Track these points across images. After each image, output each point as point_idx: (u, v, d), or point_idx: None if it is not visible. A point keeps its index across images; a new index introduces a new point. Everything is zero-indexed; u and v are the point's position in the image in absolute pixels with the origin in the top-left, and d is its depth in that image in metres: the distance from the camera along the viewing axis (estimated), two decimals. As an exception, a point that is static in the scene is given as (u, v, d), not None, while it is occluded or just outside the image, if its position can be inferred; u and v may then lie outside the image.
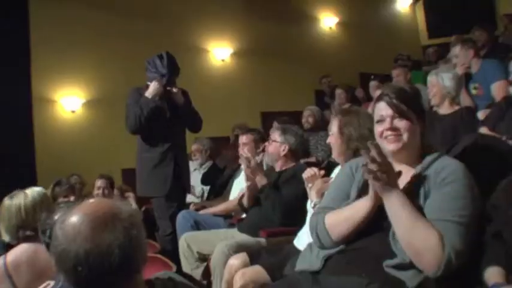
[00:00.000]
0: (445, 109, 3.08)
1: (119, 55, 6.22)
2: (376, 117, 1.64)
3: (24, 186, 5.54)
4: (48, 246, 1.59)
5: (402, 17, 9.64)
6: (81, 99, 6.16)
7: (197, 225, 3.30)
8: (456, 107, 3.08)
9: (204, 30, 6.87)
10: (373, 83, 5.30)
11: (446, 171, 1.46)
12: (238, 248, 2.46)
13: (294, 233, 2.47)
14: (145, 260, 1.03)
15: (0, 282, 1.93)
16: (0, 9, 5.36)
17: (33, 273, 1.79)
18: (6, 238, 2.09)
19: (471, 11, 8.73)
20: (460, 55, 3.73)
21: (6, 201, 2.16)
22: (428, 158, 1.54)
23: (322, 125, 4.94)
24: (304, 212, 2.46)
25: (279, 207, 2.73)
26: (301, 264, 1.69)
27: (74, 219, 0.97)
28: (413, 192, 1.47)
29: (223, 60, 7.09)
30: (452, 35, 6.91)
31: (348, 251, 1.52)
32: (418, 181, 1.49)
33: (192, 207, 3.79)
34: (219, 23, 7.04)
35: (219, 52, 7.04)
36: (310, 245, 1.79)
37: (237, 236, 2.85)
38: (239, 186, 3.51)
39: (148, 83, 3.56)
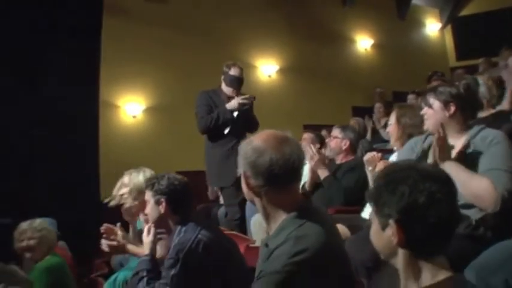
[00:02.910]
0: (484, 112, 3.48)
1: (176, 67, 6.78)
2: None
3: (88, 183, 5.95)
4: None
5: (432, 40, 10.18)
6: (142, 105, 6.67)
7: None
8: (492, 110, 3.47)
9: (253, 48, 7.44)
10: (410, 96, 5.82)
11: (491, 137, 1.97)
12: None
13: (358, 212, 2.95)
14: None
15: None
16: (77, 22, 5.84)
17: None
18: None
19: (498, 35, 9.18)
20: None
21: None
22: (473, 131, 2.05)
23: (364, 134, 5.49)
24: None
25: (341, 194, 3.20)
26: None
27: (258, 139, 1.46)
28: (466, 155, 1.97)
29: (269, 76, 7.64)
30: (479, 58, 7.39)
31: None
32: (468, 147, 2.00)
33: None
34: (267, 42, 7.61)
35: (266, 68, 7.60)
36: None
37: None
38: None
39: (222, 87, 4.06)
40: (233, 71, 4.00)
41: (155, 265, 2.22)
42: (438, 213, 1.05)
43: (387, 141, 5.59)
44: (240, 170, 1.51)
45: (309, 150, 3.29)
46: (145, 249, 2.29)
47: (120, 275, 3.06)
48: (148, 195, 2.28)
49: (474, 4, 10.06)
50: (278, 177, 1.41)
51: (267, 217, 1.48)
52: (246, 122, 3.98)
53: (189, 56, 6.86)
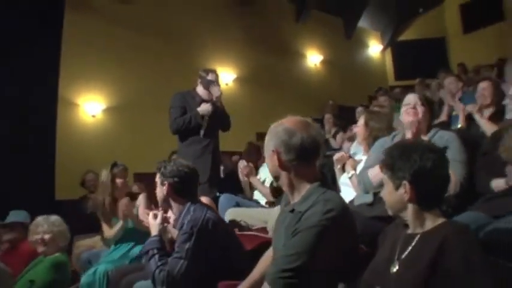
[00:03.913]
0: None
1: (137, 68, 6.88)
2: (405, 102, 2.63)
3: (44, 181, 5.79)
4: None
5: (374, 60, 11.10)
6: (101, 105, 6.67)
7: (238, 206, 3.99)
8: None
9: (213, 55, 7.69)
10: (359, 109, 6.38)
11: (447, 136, 2.43)
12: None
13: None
14: None
15: None
16: (37, 20, 5.76)
17: None
18: None
19: (430, 59, 10.26)
20: None
21: None
22: (432, 132, 2.51)
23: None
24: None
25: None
26: (359, 200, 2.58)
27: (288, 123, 1.74)
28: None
29: (227, 84, 7.90)
30: (414, 79, 8.20)
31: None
32: None
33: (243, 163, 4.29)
34: (225, 51, 7.95)
35: (224, 76, 7.80)
36: (357, 195, 2.71)
37: (273, 213, 3.60)
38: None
39: (198, 90, 4.28)
40: (210, 76, 4.23)
41: (163, 245, 2.41)
42: (439, 175, 1.42)
43: (337, 149, 6.08)
44: (270, 148, 1.77)
45: None
46: (153, 231, 2.47)
47: (100, 267, 3.23)
48: (157, 178, 2.51)
49: (411, 31, 11.16)
50: (307, 153, 1.72)
51: (292, 188, 1.76)
52: (218, 123, 4.23)
53: (150, 57, 7.00)
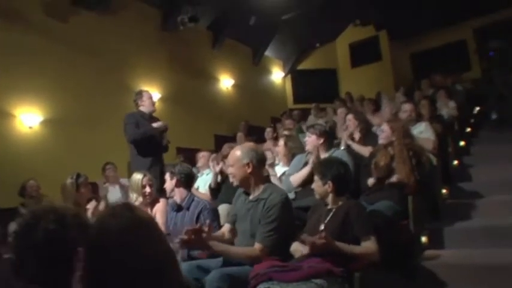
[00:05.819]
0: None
1: (70, 83, 7.22)
2: None
3: None
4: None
5: (276, 86, 12.60)
6: (39, 116, 6.88)
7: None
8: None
9: (138, 76, 8.39)
10: (268, 129, 7.70)
11: (341, 154, 3.71)
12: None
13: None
14: None
15: None
16: None
17: None
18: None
19: (323, 87, 12.08)
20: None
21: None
22: (332, 150, 3.82)
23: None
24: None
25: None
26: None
27: (249, 146, 2.86)
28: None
29: (152, 103, 8.62)
30: (310, 103, 9.76)
31: (300, 191, 3.65)
32: None
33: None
34: (150, 72, 8.69)
35: (150, 95, 8.59)
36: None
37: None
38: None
39: (142, 109, 5.18)
40: (145, 96, 5.30)
41: None
42: (348, 177, 2.64)
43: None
44: (244, 161, 2.75)
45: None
46: None
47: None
48: (167, 175, 3.57)
49: (308, 62, 12.91)
50: (263, 163, 2.85)
51: (254, 186, 2.79)
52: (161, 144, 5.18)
53: (83, 73, 7.42)
